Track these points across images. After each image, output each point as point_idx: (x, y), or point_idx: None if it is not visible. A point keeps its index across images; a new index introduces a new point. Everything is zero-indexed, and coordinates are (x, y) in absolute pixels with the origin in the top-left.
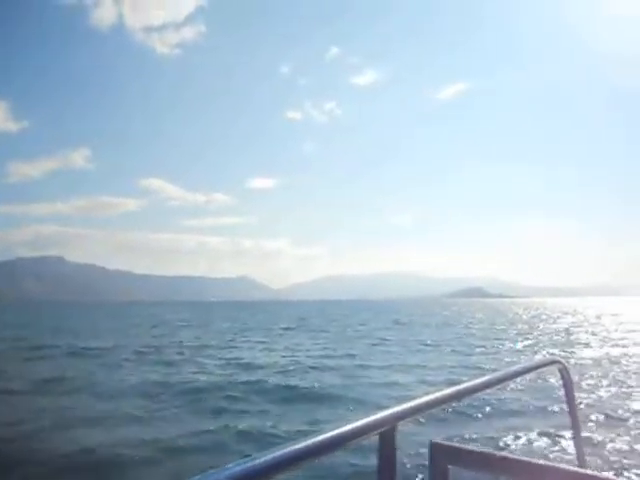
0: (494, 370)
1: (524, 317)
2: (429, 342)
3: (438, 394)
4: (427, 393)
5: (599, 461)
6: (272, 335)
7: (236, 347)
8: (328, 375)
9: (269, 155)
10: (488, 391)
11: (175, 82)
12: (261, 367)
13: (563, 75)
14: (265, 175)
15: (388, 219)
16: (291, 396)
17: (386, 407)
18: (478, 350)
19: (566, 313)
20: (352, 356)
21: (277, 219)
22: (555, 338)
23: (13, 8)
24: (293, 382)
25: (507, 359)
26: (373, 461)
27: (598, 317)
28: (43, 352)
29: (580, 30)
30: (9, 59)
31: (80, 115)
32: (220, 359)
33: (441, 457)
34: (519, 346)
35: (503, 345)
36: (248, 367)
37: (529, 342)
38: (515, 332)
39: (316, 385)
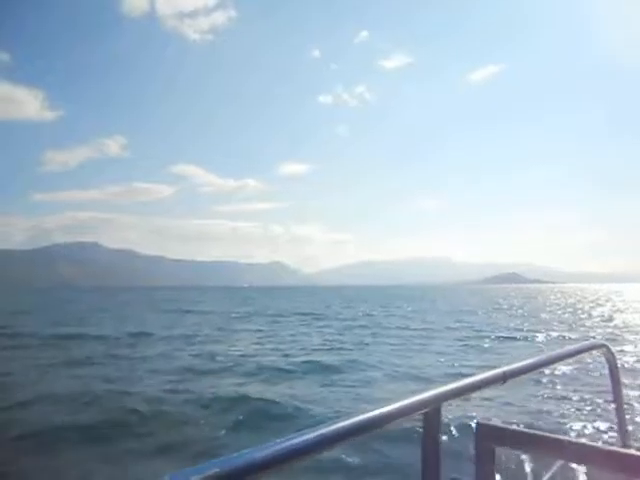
0: (540, 353)
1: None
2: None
3: (483, 375)
4: (473, 374)
5: None
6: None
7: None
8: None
9: (300, 140)
10: (533, 374)
11: (207, 68)
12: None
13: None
14: (296, 160)
15: (418, 205)
16: None
17: (430, 387)
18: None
19: (603, 299)
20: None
21: (308, 205)
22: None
23: None
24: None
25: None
26: (417, 441)
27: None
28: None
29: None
30: (44, 49)
31: (115, 103)
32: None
33: (487, 438)
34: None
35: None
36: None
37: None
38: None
39: None
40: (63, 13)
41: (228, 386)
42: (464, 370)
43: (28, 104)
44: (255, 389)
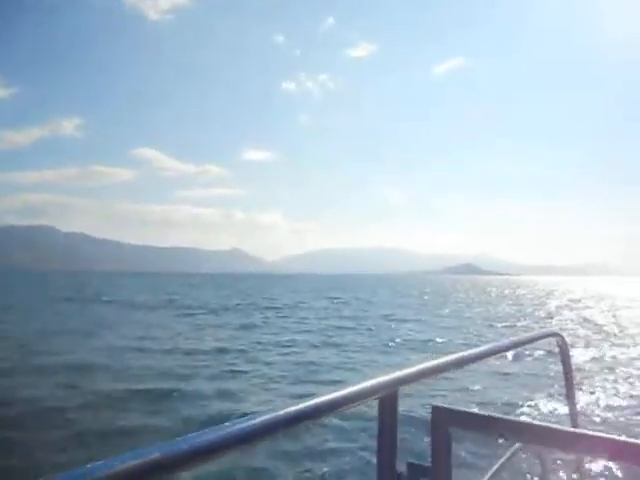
0: (496, 340)
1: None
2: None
3: (440, 360)
4: (429, 358)
5: (592, 423)
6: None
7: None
8: None
9: (264, 126)
10: (489, 359)
11: (168, 49)
12: None
13: (564, 55)
14: (259, 147)
15: (381, 194)
16: None
17: (387, 371)
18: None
19: (552, 292)
20: None
21: (271, 192)
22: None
23: None
24: None
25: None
26: (374, 426)
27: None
28: None
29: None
30: None
31: (71, 82)
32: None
33: (442, 421)
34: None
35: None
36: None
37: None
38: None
39: None
40: None
41: None
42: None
43: None
44: None
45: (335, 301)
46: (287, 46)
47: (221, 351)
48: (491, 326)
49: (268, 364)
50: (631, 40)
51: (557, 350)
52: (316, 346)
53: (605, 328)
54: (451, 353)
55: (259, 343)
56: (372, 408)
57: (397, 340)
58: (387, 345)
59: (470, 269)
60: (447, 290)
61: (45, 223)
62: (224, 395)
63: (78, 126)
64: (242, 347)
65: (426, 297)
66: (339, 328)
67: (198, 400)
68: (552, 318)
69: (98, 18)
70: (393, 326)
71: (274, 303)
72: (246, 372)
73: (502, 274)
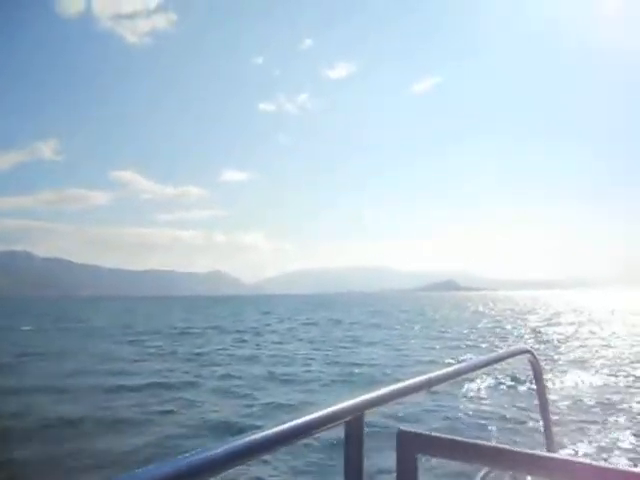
0: (464, 360)
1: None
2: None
3: (408, 382)
4: (397, 381)
5: (567, 445)
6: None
7: None
8: None
9: (242, 147)
10: (459, 379)
11: (146, 72)
12: None
13: (532, 64)
14: (239, 168)
15: (359, 213)
16: None
17: (353, 396)
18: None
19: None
20: None
21: (251, 212)
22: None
23: None
24: None
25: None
26: (340, 451)
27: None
28: None
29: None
30: None
31: (47, 105)
32: None
33: (409, 445)
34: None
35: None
36: None
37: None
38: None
39: None
40: None
41: None
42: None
43: None
44: None
45: (303, 323)
46: (266, 67)
47: (143, 387)
48: (458, 347)
49: (188, 405)
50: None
51: (529, 367)
52: (256, 378)
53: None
54: (420, 374)
55: (198, 376)
56: (341, 431)
57: (349, 370)
58: (334, 378)
59: (451, 285)
60: (423, 308)
61: (21, 249)
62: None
63: (56, 150)
64: (171, 380)
65: (402, 315)
66: (288, 358)
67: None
68: (522, 335)
69: (74, 40)
70: (355, 350)
71: (238, 327)
72: (148, 420)
73: (481, 290)
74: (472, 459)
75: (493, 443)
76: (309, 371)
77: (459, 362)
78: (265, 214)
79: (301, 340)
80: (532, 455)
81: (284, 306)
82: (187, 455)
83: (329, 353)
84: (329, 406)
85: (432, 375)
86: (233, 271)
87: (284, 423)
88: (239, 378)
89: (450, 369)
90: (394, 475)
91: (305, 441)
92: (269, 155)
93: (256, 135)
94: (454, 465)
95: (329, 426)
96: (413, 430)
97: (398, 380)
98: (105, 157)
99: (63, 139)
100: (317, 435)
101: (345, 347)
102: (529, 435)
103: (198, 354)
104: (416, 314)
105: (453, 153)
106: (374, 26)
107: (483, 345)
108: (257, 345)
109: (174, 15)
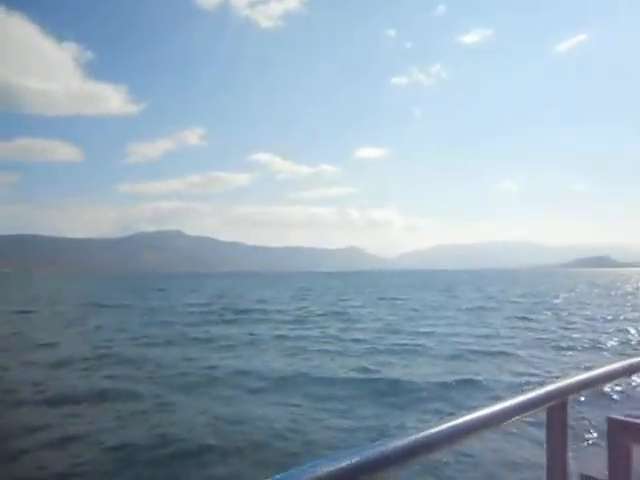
0: None
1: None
2: None
3: (608, 368)
4: (601, 365)
5: None
6: None
7: None
8: None
9: (376, 124)
10: None
11: (280, 55)
12: None
13: None
14: (372, 144)
15: (497, 187)
16: None
17: (554, 380)
18: None
19: None
20: None
21: (385, 188)
22: None
23: None
24: None
25: None
26: (541, 437)
27: None
28: None
29: None
30: (125, 45)
31: (193, 95)
32: None
33: (620, 433)
34: None
35: None
36: None
37: None
38: None
39: None
40: (139, 10)
41: None
42: None
43: (112, 99)
44: None
45: (396, 301)
46: (398, 40)
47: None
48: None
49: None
50: None
51: None
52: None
53: None
54: (623, 358)
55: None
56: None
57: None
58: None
59: (603, 261)
60: (559, 285)
61: (173, 228)
62: None
63: (201, 136)
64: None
65: (521, 298)
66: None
67: None
68: None
69: (214, 32)
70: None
71: (343, 305)
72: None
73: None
74: None
75: None
76: None
77: None
78: (399, 189)
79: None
80: None
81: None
82: (398, 437)
83: None
84: (530, 391)
85: (633, 361)
86: (369, 247)
87: (482, 409)
88: None
89: None
90: (603, 463)
91: (505, 426)
92: (402, 130)
93: (389, 110)
94: None
95: (530, 412)
96: (624, 418)
97: (598, 365)
98: (245, 141)
99: (207, 126)
100: (517, 421)
101: None
102: None
103: None
104: (544, 293)
105: (602, 114)
106: None
107: None
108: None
109: None
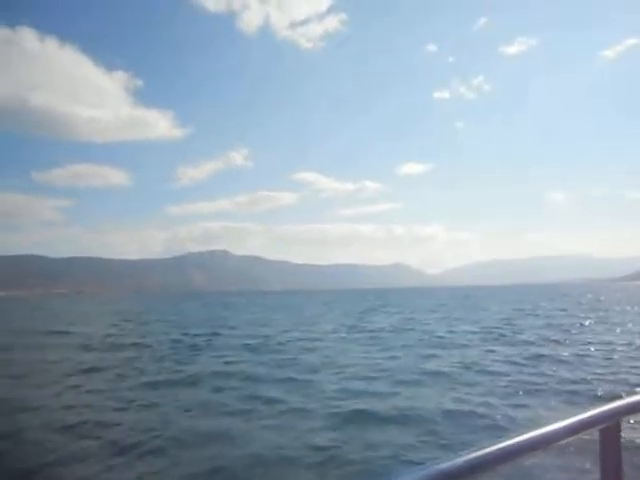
0: None
1: None
2: None
3: None
4: None
5: None
6: None
7: None
8: None
9: (418, 139)
10: None
11: (320, 75)
12: None
13: None
14: (415, 160)
15: (546, 199)
16: None
17: (606, 402)
18: None
19: None
20: None
21: (428, 204)
22: None
23: (168, 24)
24: None
25: None
26: (594, 459)
27: None
28: None
29: None
30: (169, 71)
31: (236, 117)
32: None
33: None
34: None
35: None
36: None
37: None
38: None
39: None
40: (183, 37)
41: None
42: None
43: (159, 125)
44: None
45: (405, 320)
46: (439, 54)
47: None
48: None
49: None
50: None
51: None
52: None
53: None
54: None
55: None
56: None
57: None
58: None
59: None
60: (605, 301)
61: (220, 248)
62: None
63: (246, 156)
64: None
65: (558, 312)
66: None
67: None
68: None
69: (257, 55)
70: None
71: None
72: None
73: None
74: None
75: None
76: None
77: None
78: (442, 205)
79: None
80: None
81: (448, 299)
82: (447, 458)
83: None
84: (582, 412)
85: None
86: (414, 263)
87: (531, 430)
88: None
89: None
90: None
91: (557, 447)
92: (445, 144)
93: (432, 125)
94: None
95: (581, 434)
96: None
97: None
98: (289, 160)
99: (251, 147)
100: (565, 444)
101: None
102: None
103: None
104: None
105: None
106: None
107: None
108: None
109: (344, 14)
